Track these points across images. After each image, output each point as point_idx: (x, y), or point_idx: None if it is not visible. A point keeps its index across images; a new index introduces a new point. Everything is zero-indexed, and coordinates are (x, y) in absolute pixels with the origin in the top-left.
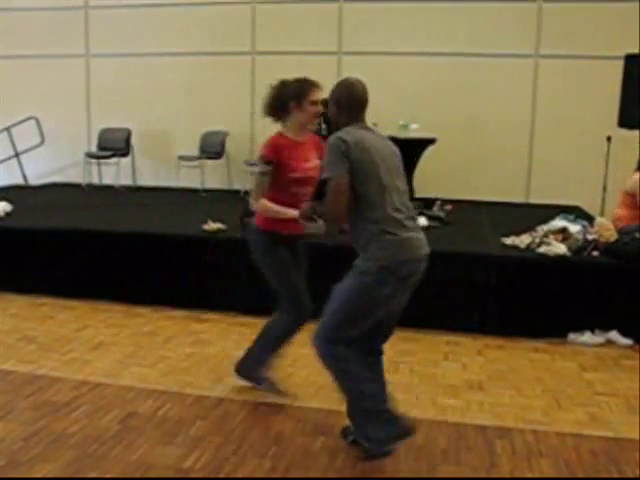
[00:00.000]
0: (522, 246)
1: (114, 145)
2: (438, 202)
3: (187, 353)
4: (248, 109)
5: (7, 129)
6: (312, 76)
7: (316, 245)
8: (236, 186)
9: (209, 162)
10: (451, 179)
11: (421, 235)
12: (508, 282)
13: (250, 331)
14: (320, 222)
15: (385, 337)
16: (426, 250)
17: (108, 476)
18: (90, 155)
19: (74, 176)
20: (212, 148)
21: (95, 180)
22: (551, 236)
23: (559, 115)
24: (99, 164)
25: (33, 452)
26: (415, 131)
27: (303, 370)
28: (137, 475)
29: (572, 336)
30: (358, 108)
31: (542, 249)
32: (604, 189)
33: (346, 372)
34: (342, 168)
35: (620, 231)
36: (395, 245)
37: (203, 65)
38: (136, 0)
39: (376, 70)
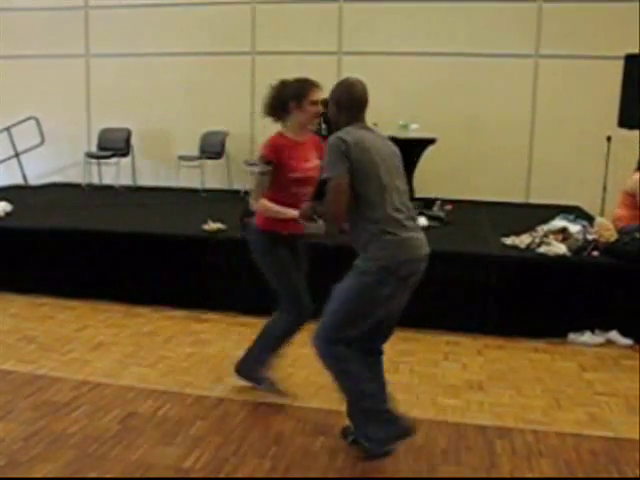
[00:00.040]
0: (522, 246)
1: (114, 145)
2: (438, 202)
3: (187, 353)
4: (248, 109)
5: (7, 129)
6: (312, 76)
7: (316, 245)
8: (236, 186)
9: (209, 162)
10: (451, 179)
11: (421, 235)
12: (508, 282)
13: (250, 331)
14: (320, 222)
15: (385, 337)
16: (426, 250)
17: (108, 476)
18: (90, 155)
19: (74, 176)
20: (212, 148)
21: (95, 180)
22: (551, 236)
23: (559, 115)
24: (99, 164)
25: (33, 452)
26: (415, 131)
27: (303, 370)
28: (137, 475)
29: (572, 336)
30: (358, 108)
31: (542, 249)
32: (604, 189)
33: (346, 372)
34: (342, 168)
35: (620, 231)
36: (395, 245)
37: (203, 65)
38: (136, 0)
39: (376, 70)
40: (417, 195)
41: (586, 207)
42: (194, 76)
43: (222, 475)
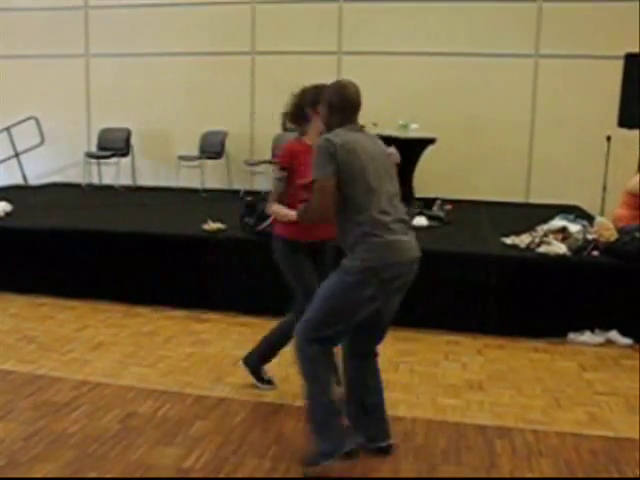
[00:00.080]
0: (522, 246)
1: (114, 145)
2: (438, 202)
3: (187, 353)
4: (248, 109)
5: (7, 129)
6: (312, 76)
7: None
8: (236, 186)
9: (209, 162)
10: (451, 179)
11: (410, 238)
12: (508, 282)
13: (250, 331)
14: None
15: (378, 339)
16: (415, 253)
17: (108, 476)
18: (90, 155)
19: (74, 176)
20: (212, 148)
21: (95, 180)
22: (551, 236)
23: (559, 115)
24: (99, 164)
25: (33, 452)
26: (415, 131)
27: None
28: (137, 475)
29: (572, 336)
30: (351, 110)
31: (542, 249)
32: (604, 189)
33: (313, 376)
34: (329, 170)
35: (620, 231)
36: (381, 247)
37: (203, 65)
38: (136, 0)
39: (376, 70)
40: (417, 195)
41: (586, 207)
42: (194, 76)
43: (222, 475)
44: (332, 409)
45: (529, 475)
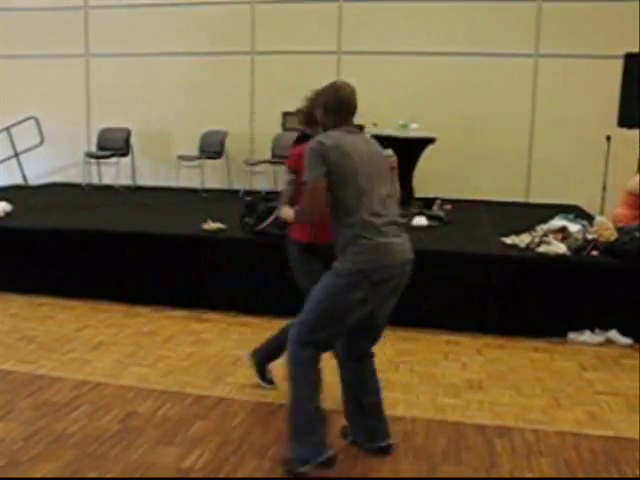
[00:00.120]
0: (522, 245)
1: (114, 145)
2: (438, 202)
3: (187, 353)
4: (247, 109)
5: (7, 129)
6: (312, 76)
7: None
8: (236, 186)
9: (209, 162)
10: (451, 179)
11: (402, 240)
12: (508, 281)
13: (250, 331)
14: None
15: (374, 340)
16: (407, 255)
17: (108, 476)
18: (90, 155)
19: (74, 176)
20: (212, 148)
21: (95, 180)
22: (551, 235)
23: (559, 114)
24: (99, 164)
25: (33, 452)
26: (415, 130)
27: None
28: (137, 475)
29: (572, 335)
30: (346, 111)
31: (542, 248)
32: (604, 188)
33: (301, 381)
34: (319, 171)
35: (620, 230)
36: (372, 249)
37: (203, 65)
38: (136, 0)
39: (376, 70)
40: (417, 195)
41: (586, 206)
42: (194, 76)
43: (222, 475)
44: (315, 416)
45: (529, 475)
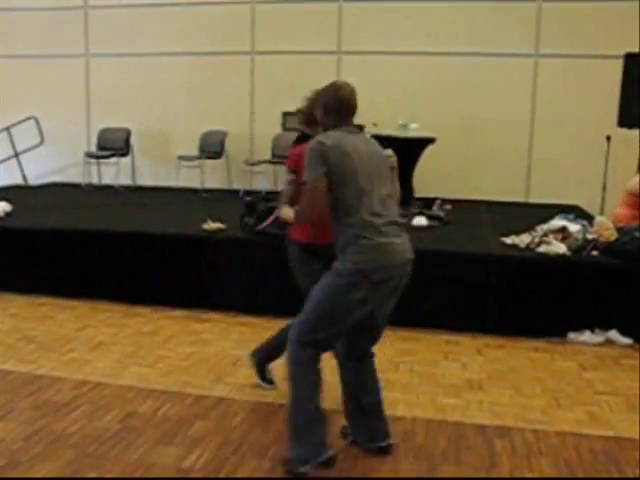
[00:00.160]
0: (522, 245)
1: (114, 145)
2: (438, 201)
3: (187, 353)
4: (247, 109)
5: (7, 129)
6: (312, 76)
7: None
8: (236, 186)
9: (209, 162)
10: (451, 178)
11: (402, 240)
12: (508, 281)
13: (250, 330)
14: None
15: (374, 340)
16: (407, 255)
17: (108, 476)
18: (90, 155)
19: (74, 176)
20: (211, 148)
21: (95, 180)
22: (551, 235)
23: (559, 114)
24: (99, 164)
25: (33, 452)
26: (415, 130)
27: None
28: (137, 475)
29: (572, 335)
30: (346, 111)
31: (542, 248)
32: (604, 188)
33: (300, 381)
34: (319, 171)
35: (620, 230)
36: (372, 249)
37: (202, 65)
38: (136, 0)
39: (376, 70)
40: (417, 195)
41: (586, 206)
42: (193, 76)
43: (222, 475)
44: (315, 416)
45: (529, 475)
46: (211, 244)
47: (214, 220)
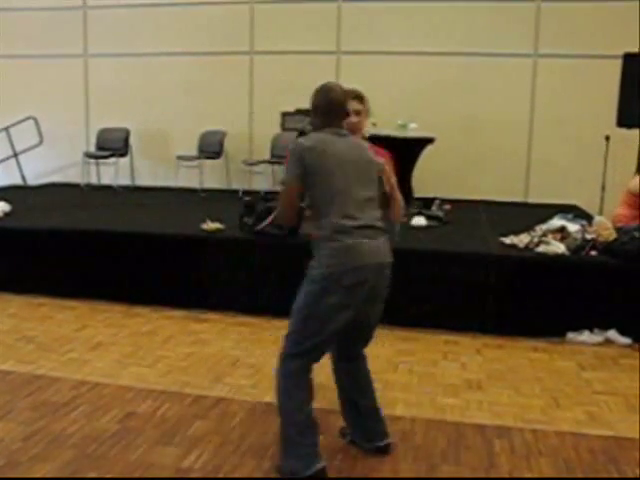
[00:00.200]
0: (521, 245)
1: (113, 145)
2: (437, 201)
3: (186, 353)
4: (246, 109)
5: (6, 129)
6: (311, 76)
7: None
8: (235, 186)
9: (208, 162)
10: (450, 178)
11: (377, 243)
12: (507, 281)
13: (249, 331)
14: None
15: (364, 342)
16: (382, 258)
17: (107, 476)
18: (89, 155)
19: (73, 176)
20: (211, 148)
21: (94, 180)
22: (550, 235)
23: (558, 114)
24: (98, 164)
25: (32, 452)
26: (414, 130)
27: None
28: (136, 475)
29: (571, 335)
30: (335, 113)
31: (541, 248)
32: (603, 188)
33: (290, 393)
34: (295, 173)
35: (619, 230)
36: (340, 252)
37: (201, 65)
38: (135, 0)
39: (375, 69)
40: (416, 195)
41: (585, 206)
42: (193, 76)
43: (221, 475)
44: (305, 427)
45: (528, 475)
46: (210, 244)
47: (213, 220)
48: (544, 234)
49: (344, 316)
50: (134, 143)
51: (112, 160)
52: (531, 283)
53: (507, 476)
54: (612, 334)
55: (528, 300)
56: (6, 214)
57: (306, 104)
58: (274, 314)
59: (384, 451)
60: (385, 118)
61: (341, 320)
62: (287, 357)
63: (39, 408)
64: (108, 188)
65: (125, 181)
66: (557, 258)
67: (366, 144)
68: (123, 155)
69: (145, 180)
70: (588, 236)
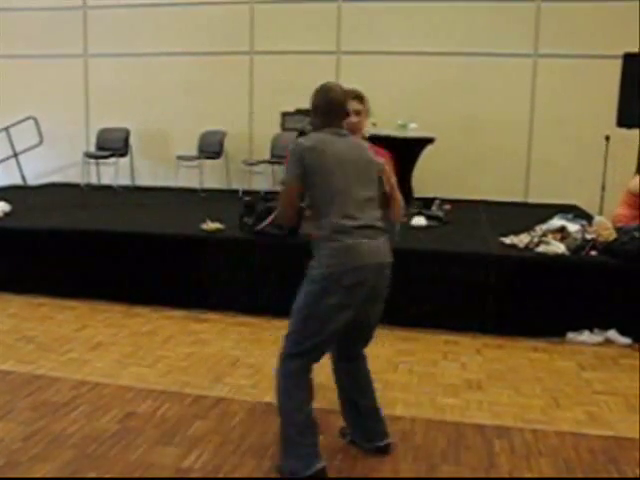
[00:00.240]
0: (521, 245)
1: (113, 145)
2: (437, 201)
3: (186, 353)
4: (246, 109)
5: (6, 129)
6: (311, 76)
7: None
8: (235, 186)
9: (207, 162)
10: (450, 178)
11: (377, 243)
12: (507, 281)
13: (249, 331)
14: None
15: (364, 342)
16: (382, 258)
17: (107, 476)
18: (89, 155)
19: (73, 176)
20: (210, 148)
21: (94, 180)
22: (550, 235)
23: (558, 114)
24: (98, 164)
25: (32, 452)
26: (414, 130)
27: None
28: (136, 475)
29: (571, 335)
30: (335, 113)
31: (541, 248)
32: (602, 188)
33: (290, 393)
34: (294, 173)
35: (619, 230)
36: (340, 252)
37: (201, 65)
38: (134, 0)
39: (375, 69)
40: (416, 195)
41: (584, 206)
42: (192, 76)
43: (221, 475)
44: (305, 427)
45: (528, 475)
46: (210, 244)
47: (213, 220)
48: (544, 234)
49: (344, 316)
50: (134, 143)
51: (112, 160)
52: (531, 283)
53: (507, 476)
54: (612, 334)
55: (528, 300)
56: (6, 214)
57: (306, 104)
58: (274, 314)
59: (384, 451)
60: (385, 118)
61: (341, 320)
62: (287, 357)
63: (39, 408)
64: (108, 188)
65: (125, 181)
66: (557, 258)
67: (366, 144)
68: (123, 155)
69: (145, 180)
70: (588, 236)
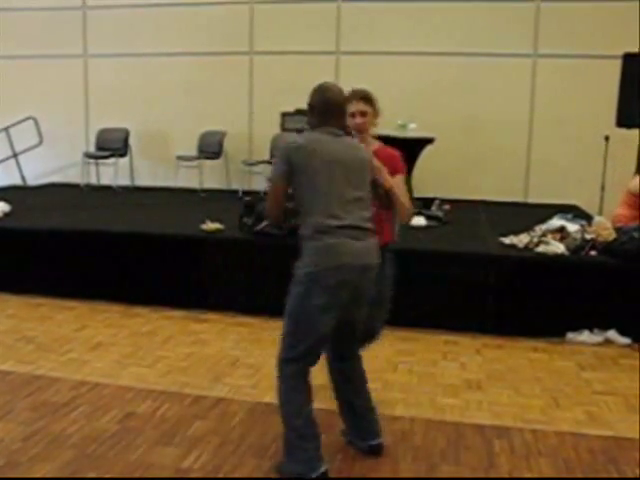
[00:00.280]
0: (520, 245)
1: (112, 145)
2: (436, 202)
3: (186, 353)
4: (246, 109)
5: (5, 129)
6: (310, 76)
7: None
8: (234, 186)
9: (207, 162)
10: (449, 179)
11: (362, 244)
12: (507, 281)
13: (249, 331)
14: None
15: (356, 343)
16: (366, 260)
17: (107, 476)
18: (88, 155)
19: (72, 176)
20: (210, 148)
21: (93, 180)
22: (549, 235)
23: (557, 114)
24: (97, 164)
25: (32, 452)
26: (413, 130)
27: None
28: (136, 475)
29: (570, 335)
30: (331, 113)
31: (540, 248)
32: (602, 188)
33: (288, 398)
34: (281, 170)
35: (618, 230)
36: (321, 251)
37: (201, 65)
38: (134, 0)
39: (374, 70)
40: (416, 195)
41: (584, 206)
42: (192, 76)
43: (221, 475)
44: (305, 431)
45: (528, 475)
46: (210, 244)
47: (213, 220)
48: (544, 234)
49: (330, 317)
50: (134, 143)
51: (112, 160)
52: (531, 283)
53: (507, 476)
54: (612, 334)
55: (528, 300)
56: (6, 214)
57: (306, 104)
58: (273, 314)
59: (376, 450)
60: (385, 118)
61: (327, 321)
62: (283, 362)
63: (39, 408)
64: (108, 188)
65: (125, 181)
66: (557, 258)
67: (362, 145)
68: (123, 155)
69: (145, 180)
70: (588, 236)
